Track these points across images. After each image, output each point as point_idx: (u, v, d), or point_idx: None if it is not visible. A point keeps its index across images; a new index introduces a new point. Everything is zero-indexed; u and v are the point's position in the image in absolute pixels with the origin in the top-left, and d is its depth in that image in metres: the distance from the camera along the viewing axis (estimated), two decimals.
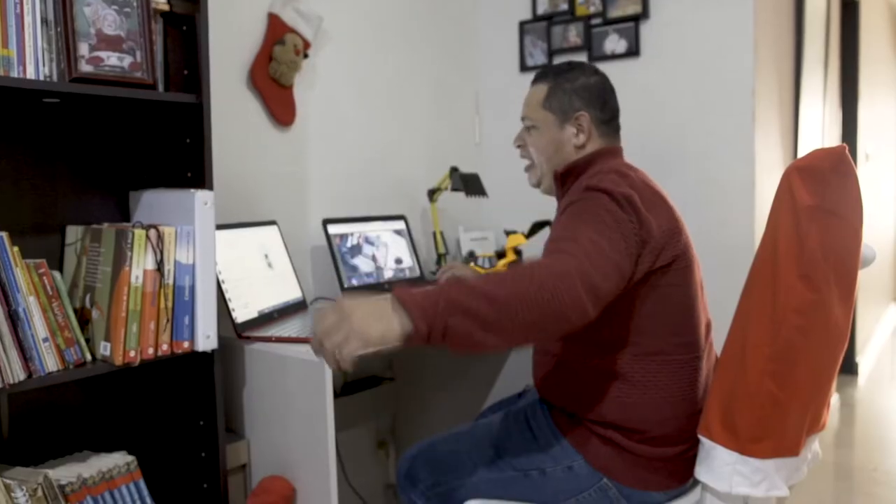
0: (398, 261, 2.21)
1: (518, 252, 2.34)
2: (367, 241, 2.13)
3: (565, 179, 1.49)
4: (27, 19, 1.22)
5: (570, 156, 1.50)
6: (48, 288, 1.26)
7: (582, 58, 2.54)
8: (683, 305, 1.34)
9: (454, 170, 2.33)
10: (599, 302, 1.11)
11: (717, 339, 2.08)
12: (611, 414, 1.34)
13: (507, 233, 2.35)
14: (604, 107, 1.48)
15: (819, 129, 3.35)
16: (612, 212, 1.23)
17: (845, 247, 1.17)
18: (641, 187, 1.33)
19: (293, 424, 1.48)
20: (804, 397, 1.19)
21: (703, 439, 1.26)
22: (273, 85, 2.02)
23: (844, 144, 1.16)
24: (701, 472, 1.27)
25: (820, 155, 1.15)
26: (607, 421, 1.34)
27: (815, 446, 1.35)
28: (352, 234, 2.09)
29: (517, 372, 2.22)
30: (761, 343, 1.17)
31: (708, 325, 1.45)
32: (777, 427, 1.18)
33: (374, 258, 2.13)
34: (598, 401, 1.35)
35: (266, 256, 1.78)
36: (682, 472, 1.37)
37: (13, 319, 1.20)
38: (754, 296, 1.20)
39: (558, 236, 1.19)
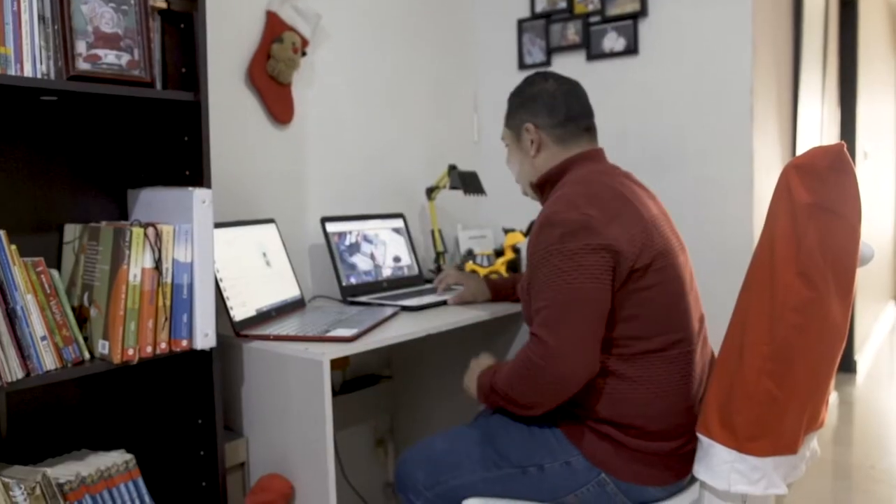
0: (396, 259, 2.21)
1: (516, 250, 2.34)
2: (366, 239, 2.13)
3: (543, 189, 1.53)
4: (24, 17, 1.22)
5: (535, 165, 1.54)
6: (46, 286, 1.26)
7: (580, 56, 2.54)
8: (666, 303, 1.35)
9: (452, 168, 2.32)
10: (596, 353, 1.30)
11: (715, 337, 2.08)
12: (604, 409, 1.34)
13: (506, 231, 2.35)
14: (551, 112, 1.50)
15: (817, 127, 3.36)
16: (570, 253, 1.30)
17: (843, 245, 1.17)
18: (605, 196, 1.35)
19: (292, 423, 1.48)
20: (802, 396, 1.19)
21: (701, 437, 1.26)
22: (271, 83, 2.02)
23: (843, 142, 1.16)
24: (700, 471, 1.27)
25: (818, 153, 1.15)
26: (601, 416, 1.35)
27: (813, 444, 1.35)
28: (350, 233, 2.09)
29: None
30: (759, 341, 1.17)
31: (701, 319, 1.45)
32: (775, 425, 1.19)
33: (372, 256, 2.13)
34: (591, 396, 1.35)
35: (264, 255, 1.78)
36: (680, 468, 1.37)
37: (11, 318, 1.20)
38: (752, 294, 1.20)
39: (538, 306, 1.33)
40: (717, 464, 1.23)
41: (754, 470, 1.20)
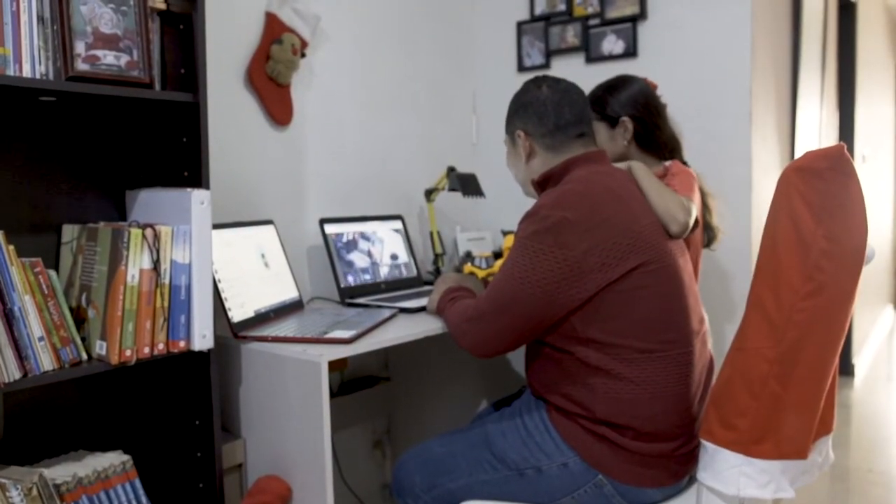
0: (394, 257, 2.21)
1: None
2: (364, 240, 2.13)
3: (545, 186, 1.53)
4: (23, 17, 1.22)
5: (529, 170, 1.56)
6: (44, 287, 1.25)
7: (579, 58, 2.54)
8: (661, 304, 1.35)
9: (451, 170, 2.32)
10: (507, 347, 1.42)
11: (714, 337, 2.08)
12: (600, 409, 1.34)
13: (504, 233, 2.35)
14: (540, 121, 1.51)
15: (816, 130, 3.36)
16: (532, 251, 1.35)
17: (847, 246, 1.17)
18: (598, 197, 1.36)
19: (289, 424, 1.48)
20: (808, 399, 1.18)
21: (706, 443, 1.25)
22: (270, 84, 2.02)
23: (842, 143, 1.16)
24: (706, 477, 1.25)
25: (818, 155, 1.15)
26: (598, 417, 1.34)
27: (827, 449, 1.34)
28: (349, 234, 2.08)
29: (513, 373, 2.22)
30: (764, 346, 1.17)
31: (701, 321, 1.45)
32: (780, 428, 1.18)
33: (369, 254, 2.13)
34: (586, 396, 1.35)
35: (263, 256, 1.78)
36: (677, 469, 1.37)
37: (9, 318, 1.19)
38: (757, 298, 1.19)
39: (493, 281, 1.43)
40: (725, 468, 1.21)
41: (762, 473, 1.19)
